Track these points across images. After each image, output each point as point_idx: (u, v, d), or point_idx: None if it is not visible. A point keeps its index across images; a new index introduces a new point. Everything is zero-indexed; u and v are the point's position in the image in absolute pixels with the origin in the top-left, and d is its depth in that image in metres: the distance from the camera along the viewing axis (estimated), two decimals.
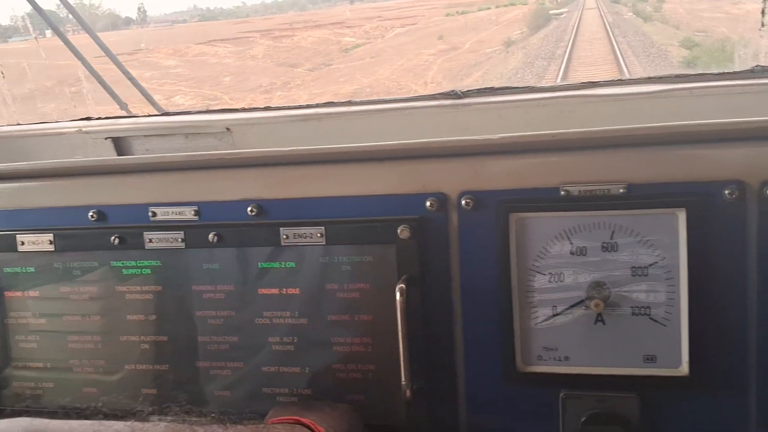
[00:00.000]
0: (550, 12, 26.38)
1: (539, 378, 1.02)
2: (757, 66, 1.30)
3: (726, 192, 0.92)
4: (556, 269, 1.00)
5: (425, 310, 1.05)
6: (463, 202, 1.02)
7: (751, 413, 0.95)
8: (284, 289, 1.09)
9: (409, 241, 1.04)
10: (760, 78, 1.28)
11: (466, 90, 1.44)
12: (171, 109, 1.64)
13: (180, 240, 1.11)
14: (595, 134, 0.97)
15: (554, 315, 1.01)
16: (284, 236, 1.07)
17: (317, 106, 1.46)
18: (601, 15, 24.91)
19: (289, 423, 0.94)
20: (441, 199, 1.03)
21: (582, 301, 0.99)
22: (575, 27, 20.76)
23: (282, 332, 1.09)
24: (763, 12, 1.30)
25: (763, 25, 1.33)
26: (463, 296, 1.04)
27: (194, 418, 1.03)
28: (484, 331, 1.03)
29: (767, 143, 0.92)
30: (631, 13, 24.00)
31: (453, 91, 1.45)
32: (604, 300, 0.97)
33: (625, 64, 12.90)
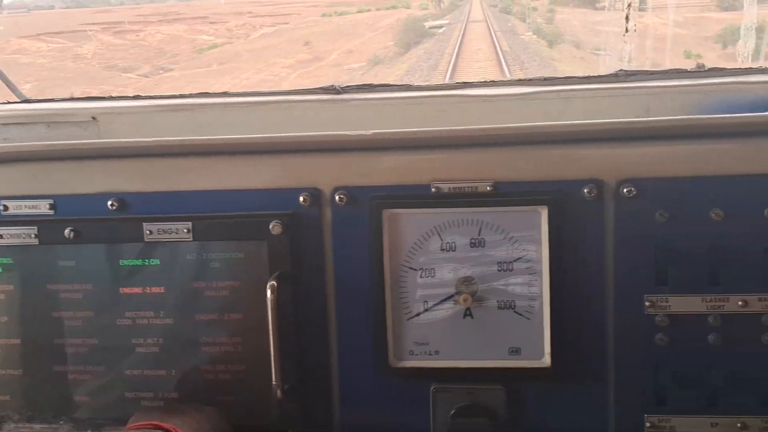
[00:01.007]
0: (426, 25, 20.06)
1: (411, 372, 1.03)
2: (620, 70, 1.37)
3: (585, 190, 0.96)
4: (427, 265, 1.01)
5: (298, 307, 1.03)
6: (336, 197, 1.01)
7: (609, 401, 0.99)
8: (148, 288, 1.04)
9: (281, 237, 1.01)
10: (624, 82, 1.35)
11: (345, 85, 1.43)
12: None
13: (33, 236, 1.04)
14: (463, 133, 0.99)
15: (425, 310, 1.02)
16: (148, 232, 1.02)
17: (191, 96, 1.40)
18: (491, 34, 17.77)
19: (147, 429, 0.89)
20: (314, 194, 1.02)
21: (451, 296, 1.00)
22: (454, 53, 14.05)
23: (146, 333, 1.04)
24: (626, 19, 1.38)
25: (626, 31, 1.40)
26: (337, 293, 1.03)
27: (42, 425, 0.97)
28: (357, 327, 1.03)
29: (623, 144, 0.96)
30: (530, 33, 17.40)
31: (332, 86, 1.43)
32: (472, 295, 0.99)
33: None
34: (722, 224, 0.93)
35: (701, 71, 1.32)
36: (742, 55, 1.48)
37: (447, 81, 1.34)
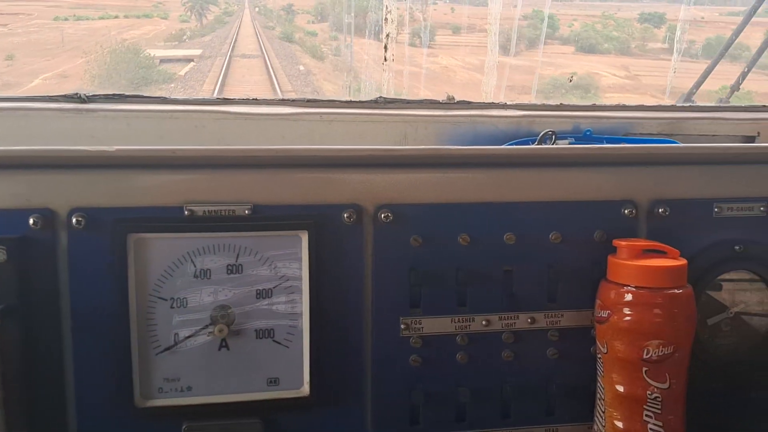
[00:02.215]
0: (158, 58, 10.62)
1: (160, 412, 0.94)
2: (380, 97, 1.41)
3: (345, 215, 0.96)
4: (179, 294, 0.93)
5: (27, 346, 0.89)
6: (74, 219, 0.90)
7: (367, 424, 1.00)
8: None
9: (5, 265, 0.87)
10: (383, 108, 1.40)
11: (92, 94, 1.30)
12: None
13: None
14: (221, 153, 0.94)
15: (176, 343, 0.94)
16: None
17: None
18: (271, 77, 10.60)
19: None
20: (47, 216, 0.90)
21: (206, 327, 0.94)
22: None
23: None
24: (385, 48, 1.43)
25: (385, 60, 1.46)
26: (74, 328, 0.92)
27: None
28: (99, 366, 0.92)
29: (381, 170, 0.98)
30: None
31: (76, 93, 1.30)
32: (228, 325, 0.94)
33: None
34: (468, 248, 0.98)
35: (451, 103, 1.41)
36: (485, 90, 1.62)
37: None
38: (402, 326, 0.98)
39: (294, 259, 0.95)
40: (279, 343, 0.96)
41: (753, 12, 1.72)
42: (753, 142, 1.43)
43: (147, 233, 0.92)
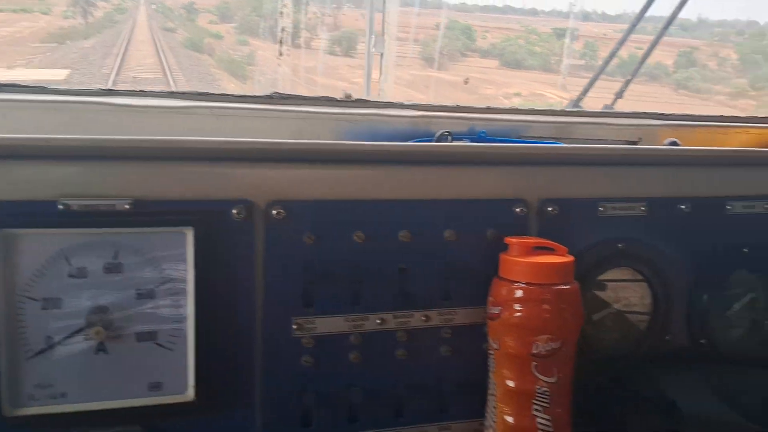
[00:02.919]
0: None
1: (30, 421, 0.87)
2: (275, 93, 1.38)
3: (234, 211, 0.92)
4: (52, 294, 0.87)
5: None
6: None
7: (257, 427, 0.96)
8: None
9: None
10: (278, 104, 1.36)
11: None
12: None
13: None
14: (99, 143, 0.88)
15: (49, 347, 0.87)
16: None
17: None
18: None
19: None
20: None
21: (82, 330, 0.88)
22: None
23: None
24: (280, 42, 1.40)
25: (280, 54, 1.42)
26: None
27: None
28: None
29: (273, 165, 0.95)
30: None
31: None
32: (106, 327, 0.88)
33: None
34: (363, 246, 0.97)
35: (349, 101, 1.39)
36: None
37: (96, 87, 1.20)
38: (294, 326, 0.95)
39: (178, 258, 0.90)
40: (162, 346, 0.91)
41: (631, 29, 1.81)
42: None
43: (17, 228, 0.85)
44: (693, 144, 1.50)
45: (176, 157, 0.91)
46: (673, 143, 1.33)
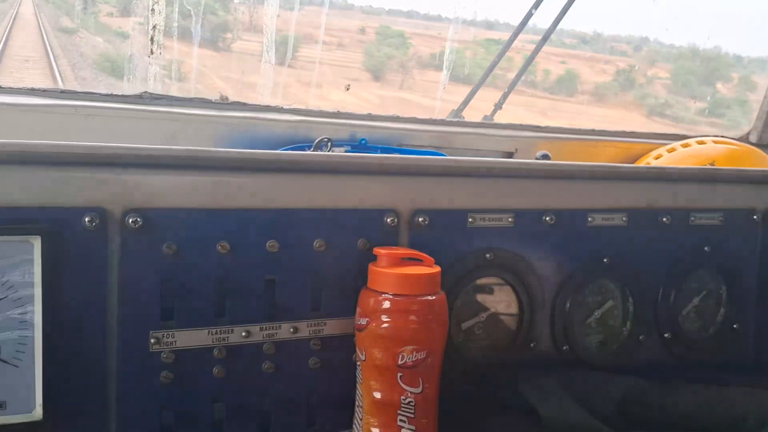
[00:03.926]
0: None
1: None
2: (145, 92, 1.32)
3: (86, 219, 0.87)
4: None
5: None
6: None
7: None
8: None
9: None
10: (150, 105, 1.31)
11: None
12: None
13: None
14: None
15: None
16: None
17: None
18: None
19: None
20: None
21: None
22: None
23: None
24: (151, 40, 1.34)
25: (152, 52, 1.37)
26: None
27: None
28: None
29: (129, 171, 0.90)
30: None
31: None
32: None
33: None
34: (228, 257, 0.94)
35: (225, 103, 1.36)
36: (261, 91, 1.59)
37: None
38: (152, 340, 0.91)
39: (24, 269, 0.84)
40: (6, 362, 0.85)
41: (511, 41, 1.87)
42: (511, 157, 1.55)
43: None
44: (565, 156, 1.57)
45: (23, 162, 0.85)
46: (545, 156, 1.38)
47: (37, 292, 0.85)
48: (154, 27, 1.28)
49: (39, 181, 0.85)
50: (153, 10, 1.26)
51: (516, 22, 1.92)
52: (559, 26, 1.95)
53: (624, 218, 1.18)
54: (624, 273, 1.21)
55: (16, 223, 0.84)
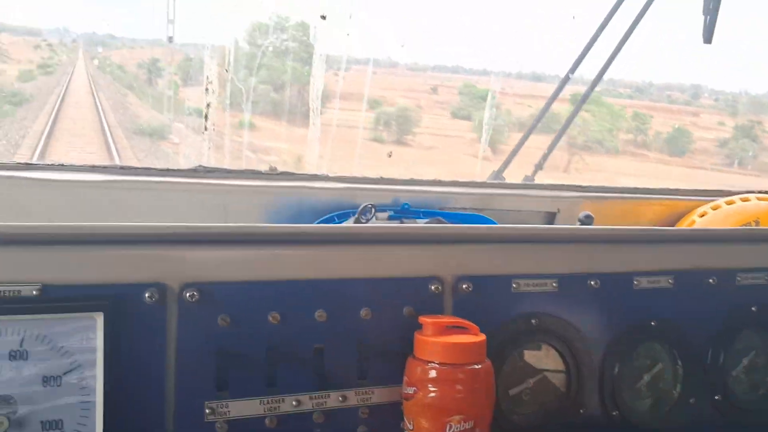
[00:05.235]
0: None
1: None
2: (200, 166, 1.38)
3: (146, 294, 0.91)
4: None
5: None
6: None
7: None
8: None
9: None
10: (203, 178, 1.37)
11: None
12: None
13: None
14: (5, 229, 0.87)
15: None
16: None
17: None
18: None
19: None
20: None
21: None
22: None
23: None
24: (205, 117, 1.42)
25: (205, 129, 1.44)
26: None
27: None
28: None
29: (189, 247, 0.95)
30: None
31: None
32: (9, 417, 0.85)
33: None
34: (278, 327, 0.97)
35: (273, 174, 1.41)
36: (310, 162, 1.64)
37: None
38: (207, 410, 0.94)
39: (87, 344, 0.89)
40: (69, 426, 0.89)
41: (551, 101, 1.90)
42: (554, 218, 1.56)
43: None
44: (608, 215, 1.57)
45: (86, 241, 0.90)
46: (588, 216, 1.39)
47: (99, 365, 0.89)
48: (208, 105, 1.36)
49: (103, 259, 0.91)
50: (207, 89, 1.34)
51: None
52: (608, 76, 1.96)
53: (670, 280, 1.18)
54: (672, 335, 1.19)
55: (81, 300, 0.89)
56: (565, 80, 1.99)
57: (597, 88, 1.97)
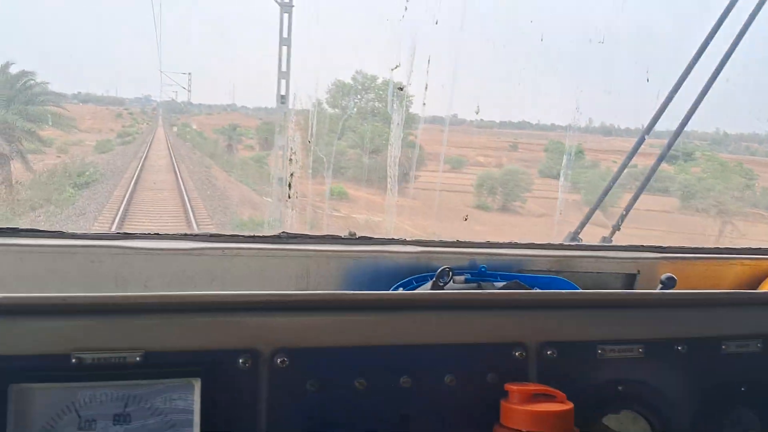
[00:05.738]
0: None
1: None
2: (283, 232, 1.44)
3: (240, 360, 0.95)
4: None
5: None
6: None
7: None
8: None
9: None
10: (286, 243, 1.42)
11: None
12: None
13: None
14: (111, 300, 0.92)
15: None
16: None
17: None
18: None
19: None
20: None
21: None
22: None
23: None
24: (288, 185, 1.48)
25: (289, 197, 1.50)
26: None
27: None
28: None
29: (277, 314, 0.98)
30: None
31: None
32: None
33: None
34: (364, 393, 0.99)
35: (353, 238, 1.45)
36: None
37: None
38: None
39: (186, 407, 0.93)
40: None
41: (625, 165, 1.88)
42: (634, 279, 1.53)
43: (31, 384, 0.88)
44: (690, 277, 1.54)
45: (184, 310, 0.95)
46: (670, 278, 1.37)
47: (196, 425, 0.93)
48: (291, 174, 1.42)
49: (199, 326, 0.95)
50: (291, 160, 1.41)
51: None
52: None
53: (759, 344, 1.14)
54: (763, 401, 1.15)
55: (179, 366, 0.93)
56: (646, 132, 1.97)
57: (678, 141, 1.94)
